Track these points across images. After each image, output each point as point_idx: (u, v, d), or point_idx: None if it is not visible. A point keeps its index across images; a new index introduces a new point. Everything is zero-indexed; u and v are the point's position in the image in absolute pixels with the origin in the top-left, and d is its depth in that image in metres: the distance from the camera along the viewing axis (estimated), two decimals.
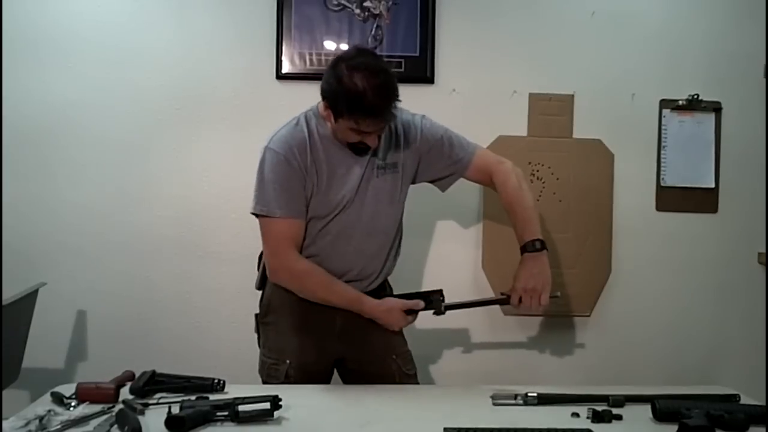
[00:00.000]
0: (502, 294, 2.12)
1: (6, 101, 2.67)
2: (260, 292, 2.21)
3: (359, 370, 2.15)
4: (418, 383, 2.23)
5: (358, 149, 2.02)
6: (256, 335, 2.22)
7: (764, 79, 2.81)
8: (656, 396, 1.79)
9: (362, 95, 1.86)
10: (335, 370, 2.23)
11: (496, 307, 2.74)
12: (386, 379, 2.12)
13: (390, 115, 1.94)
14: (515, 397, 1.85)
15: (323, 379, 2.16)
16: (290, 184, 2.01)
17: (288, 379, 2.08)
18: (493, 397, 1.86)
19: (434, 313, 2.10)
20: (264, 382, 2.14)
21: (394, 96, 1.92)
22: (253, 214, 2.07)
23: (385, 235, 2.15)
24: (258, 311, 2.21)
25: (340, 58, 1.94)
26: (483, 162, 2.21)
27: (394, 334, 2.17)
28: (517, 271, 2.07)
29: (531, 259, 2.06)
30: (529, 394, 1.85)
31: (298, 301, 2.09)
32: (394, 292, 2.20)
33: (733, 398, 1.89)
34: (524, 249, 2.08)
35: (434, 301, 2.09)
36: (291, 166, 2.00)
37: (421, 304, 2.08)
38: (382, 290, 2.19)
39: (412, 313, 2.09)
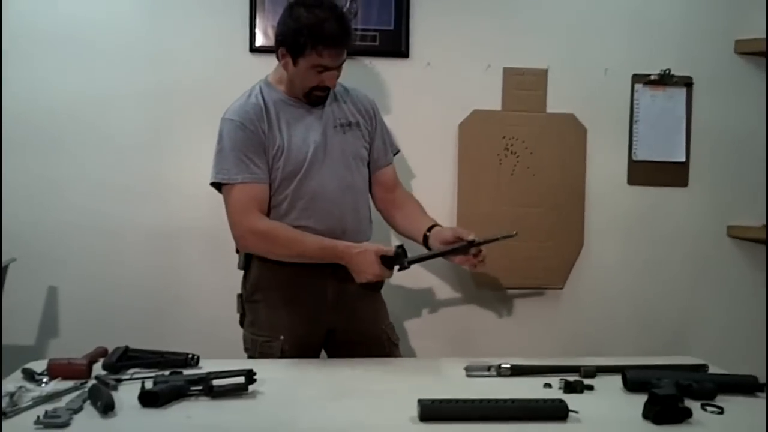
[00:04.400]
0: (470, 241, 2.03)
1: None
2: (241, 272, 2.21)
3: (349, 341, 2.15)
4: (400, 353, 2.27)
5: (316, 99, 2.10)
6: (238, 314, 2.22)
7: (735, 55, 2.83)
8: (627, 366, 1.82)
9: (323, 24, 1.97)
10: (322, 348, 2.23)
11: (470, 280, 2.77)
12: (376, 347, 2.15)
13: (350, 45, 2.06)
14: (489, 368, 1.87)
15: (316, 352, 2.18)
16: (249, 150, 2.05)
17: (283, 355, 2.08)
18: (466, 369, 1.87)
19: (399, 269, 2.03)
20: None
21: (351, 26, 2.08)
22: (212, 184, 2.10)
23: (360, 193, 2.18)
24: (240, 291, 2.21)
25: (290, 5, 2.04)
26: (394, 174, 2.31)
27: (380, 306, 2.22)
28: (446, 230, 2.12)
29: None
30: (503, 366, 1.86)
31: (287, 275, 2.09)
32: None
33: (702, 368, 1.93)
34: (434, 225, 2.16)
35: (398, 255, 2.01)
36: (248, 130, 2.05)
37: (392, 250, 2.01)
38: None
39: (387, 263, 2.01)
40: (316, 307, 2.12)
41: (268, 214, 2.09)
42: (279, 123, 2.08)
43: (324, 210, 2.09)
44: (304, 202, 2.09)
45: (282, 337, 2.10)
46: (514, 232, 2.01)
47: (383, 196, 2.28)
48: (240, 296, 2.21)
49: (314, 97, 2.09)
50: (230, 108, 2.11)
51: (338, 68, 2.06)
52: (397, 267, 2.02)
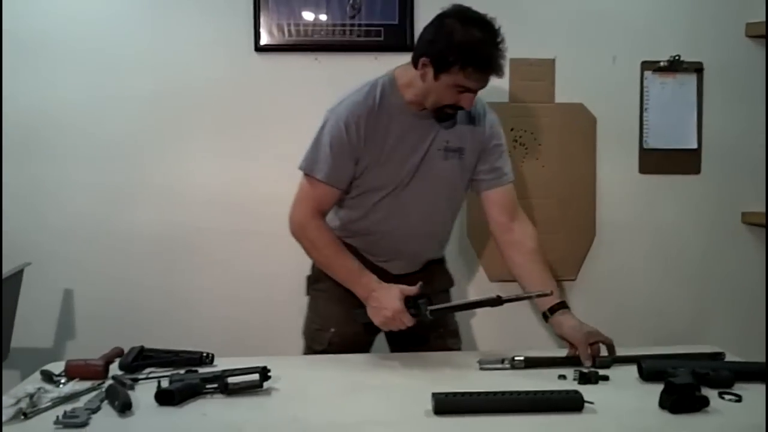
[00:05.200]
0: (498, 296, 1.88)
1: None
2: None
3: (409, 336, 2.04)
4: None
5: (445, 115, 1.99)
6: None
7: (746, 38, 2.80)
8: (642, 356, 1.81)
9: (478, 45, 1.85)
10: (386, 338, 2.19)
11: (481, 271, 2.77)
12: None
13: (500, 71, 1.90)
14: (502, 361, 1.86)
15: (364, 349, 2.14)
16: (340, 153, 1.99)
17: (330, 347, 2.10)
18: (480, 362, 1.87)
19: (420, 320, 1.90)
20: (307, 345, 2.18)
21: (505, 51, 1.90)
22: (300, 168, 2.06)
23: (437, 225, 2.15)
24: (309, 273, 2.22)
25: (444, 15, 1.92)
26: (513, 198, 2.16)
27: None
28: (566, 329, 1.97)
29: (572, 316, 2.01)
30: (516, 358, 1.85)
31: None
32: None
33: (719, 356, 1.92)
34: (558, 307, 2.01)
35: (420, 305, 1.88)
36: (348, 135, 1.97)
37: (416, 290, 1.89)
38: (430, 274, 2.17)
39: (410, 305, 1.88)
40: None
41: (339, 209, 2.10)
42: (387, 133, 2.00)
43: (394, 229, 2.07)
44: (378, 217, 2.06)
45: (332, 330, 2.11)
46: (549, 291, 1.95)
47: (498, 219, 2.14)
48: (308, 279, 2.23)
49: (443, 114, 1.99)
50: (344, 100, 2.02)
51: (481, 88, 1.95)
52: (415, 315, 1.88)
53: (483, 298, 1.94)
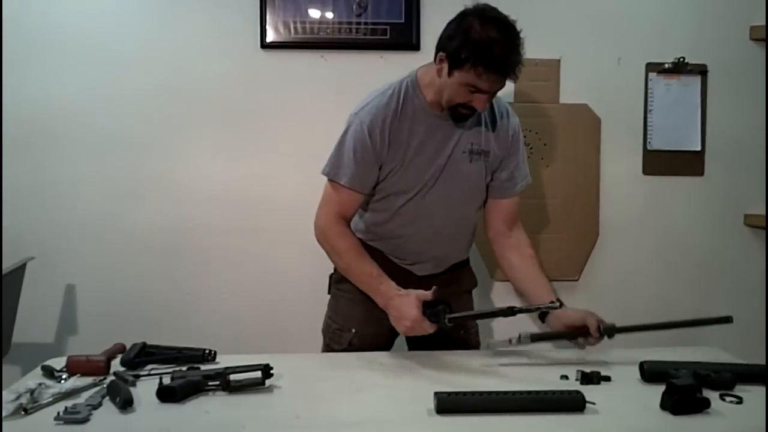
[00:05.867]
0: (510, 307, 1.86)
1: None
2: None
3: (430, 340, 2.02)
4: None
5: (460, 115, 1.97)
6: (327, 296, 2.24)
7: (750, 41, 2.80)
8: (649, 325, 1.94)
9: (492, 45, 1.81)
10: (406, 340, 2.17)
11: (485, 272, 2.76)
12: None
13: (512, 76, 1.88)
14: (510, 341, 1.88)
15: (384, 349, 2.12)
16: (364, 158, 1.98)
17: (350, 347, 2.09)
18: (488, 343, 1.92)
19: (432, 320, 1.85)
20: (326, 344, 2.17)
21: (521, 56, 1.87)
22: (323, 173, 2.05)
23: (465, 223, 2.14)
24: (332, 272, 2.21)
25: (466, 13, 1.89)
26: (516, 209, 2.18)
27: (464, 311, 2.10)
28: (565, 317, 1.98)
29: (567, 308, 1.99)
30: (522, 334, 1.88)
31: None
32: None
33: (726, 320, 1.96)
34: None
35: (439, 313, 1.84)
36: (372, 140, 1.96)
37: (430, 294, 1.85)
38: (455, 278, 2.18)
39: (429, 312, 1.85)
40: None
41: (364, 212, 2.10)
42: (410, 136, 1.99)
43: (419, 231, 2.06)
44: (403, 220, 2.06)
45: (353, 331, 2.11)
46: (557, 304, 1.92)
47: (498, 227, 2.17)
48: (331, 277, 2.22)
49: (458, 113, 1.96)
50: (367, 103, 2.00)
51: (493, 94, 1.94)
52: (436, 323, 1.85)
53: (497, 308, 1.95)
